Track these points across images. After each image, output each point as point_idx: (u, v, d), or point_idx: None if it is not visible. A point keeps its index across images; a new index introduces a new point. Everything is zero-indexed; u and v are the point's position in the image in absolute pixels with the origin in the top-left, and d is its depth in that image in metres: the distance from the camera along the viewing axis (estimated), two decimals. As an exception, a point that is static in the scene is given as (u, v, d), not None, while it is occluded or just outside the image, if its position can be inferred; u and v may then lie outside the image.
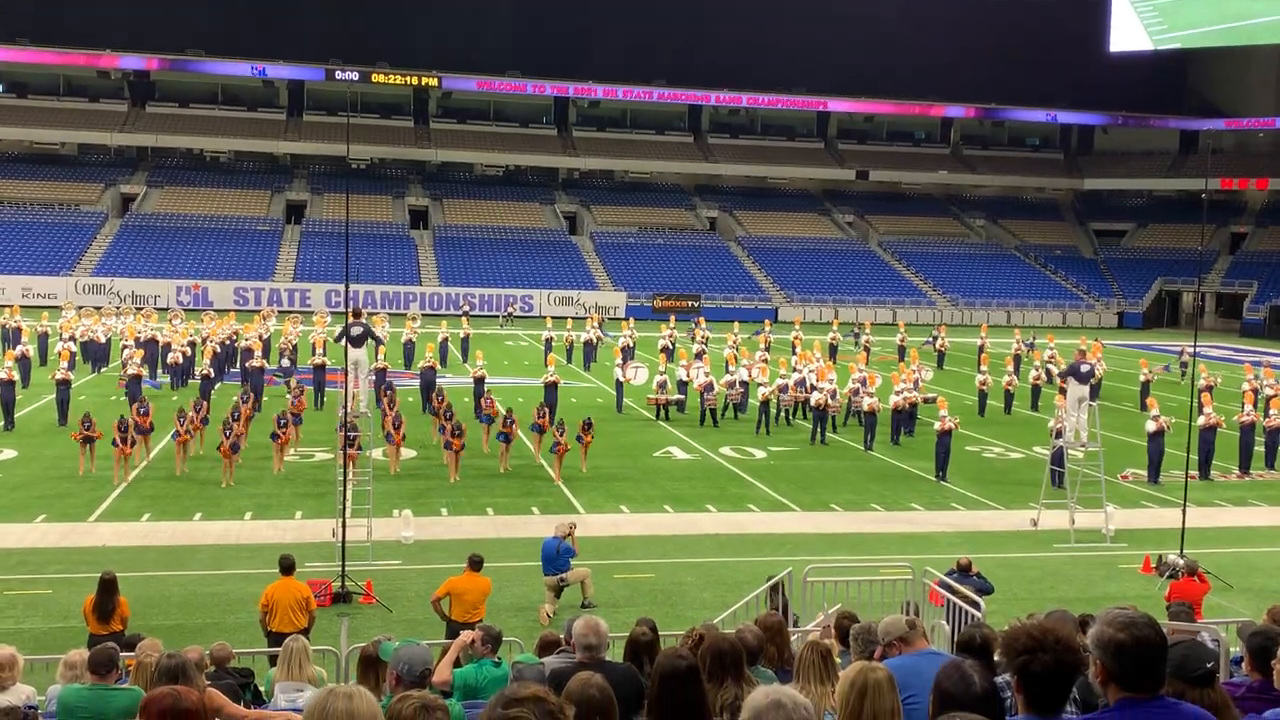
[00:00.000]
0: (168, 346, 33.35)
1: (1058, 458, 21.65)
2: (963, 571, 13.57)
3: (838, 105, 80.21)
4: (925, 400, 30.33)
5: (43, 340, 36.16)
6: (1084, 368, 24.19)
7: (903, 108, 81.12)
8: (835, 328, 45.20)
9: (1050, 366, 35.58)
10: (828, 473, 24.79)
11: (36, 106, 72.18)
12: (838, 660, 6.75)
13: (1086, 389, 23.71)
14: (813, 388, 28.92)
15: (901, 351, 40.94)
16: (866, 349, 40.67)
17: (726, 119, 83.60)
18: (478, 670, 7.77)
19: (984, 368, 36.90)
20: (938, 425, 24.24)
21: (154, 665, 6.09)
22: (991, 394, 33.24)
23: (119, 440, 21.30)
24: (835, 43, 76.57)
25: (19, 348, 31.22)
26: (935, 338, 44.12)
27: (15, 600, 14.96)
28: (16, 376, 27.28)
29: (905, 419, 28.61)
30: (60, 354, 30.39)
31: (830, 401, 28.14)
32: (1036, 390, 34.50)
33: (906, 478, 24.60)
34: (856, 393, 29.33)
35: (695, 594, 16.02)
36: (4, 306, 41.90)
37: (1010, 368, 34.98)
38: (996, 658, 5.36)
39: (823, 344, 39.72)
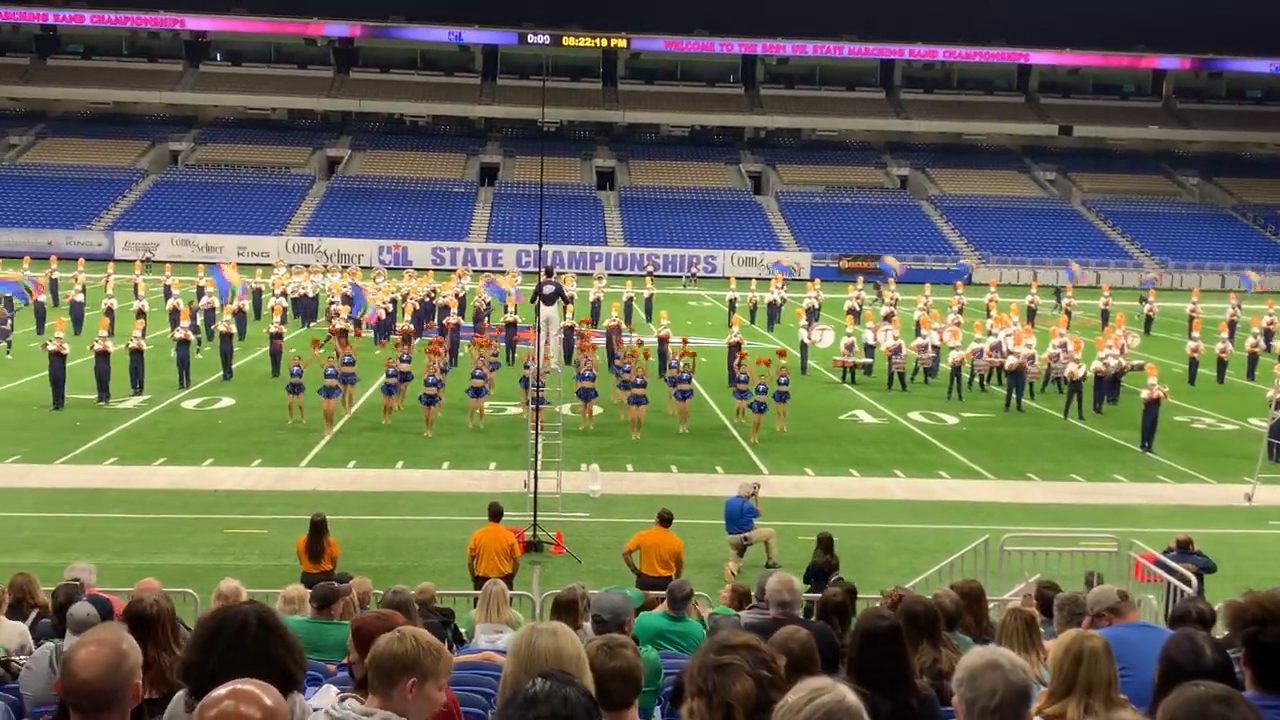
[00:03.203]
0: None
1: (1277, 429, 20.26)
2: (1182, 549, 12.88)
3: (1040, 57, 76.67)
4: (1132, 367, 28.85)
5: (257, 295, 38.37)
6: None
7: (1110, 59, 76.87)
8: (1034, 290, 43.43)
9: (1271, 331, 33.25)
10: (1024, 440, 23.92)
11: (249, 74, 76.28)
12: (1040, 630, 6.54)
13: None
14: (1009, 352, 27.90)
15: (1105, 316, 39.04)
16: (1068, 312, 38.92)
17: (921, 73, 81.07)
18: (662, 619, 7.91)
19: (1195, 333, 34.79)
20: (1145, 393, 23.03)
21: (381, 599, 6.38)
22: (1203, 361, 31.33)
23: (333, 389, 22.36)
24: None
25: (236, 302, 33.21)
26: (1145, 300, 41.92)
27: (235, 539, 16.00)
28: (234, 329, 29.04)
29: (1109, 386, 27.27)
30: (273, 309, 32.16)
31: (1028, 366, 27.10)
32: (1253, 358, 32.30)
33: (1109, 447, 23.50)
34: (1057, 358, 28.14)
35: (883, 559, 15.77)
36: (221, 264, 44.61)
37: (1224, 334, 32.84)
38: (1215, 633, 5.05)
39: (1020, 307, 38.25)
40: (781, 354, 24.73)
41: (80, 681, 2.74)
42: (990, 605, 8.69)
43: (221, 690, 2.42)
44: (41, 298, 34.73)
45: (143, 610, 4.33)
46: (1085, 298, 46.75)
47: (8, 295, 31.64)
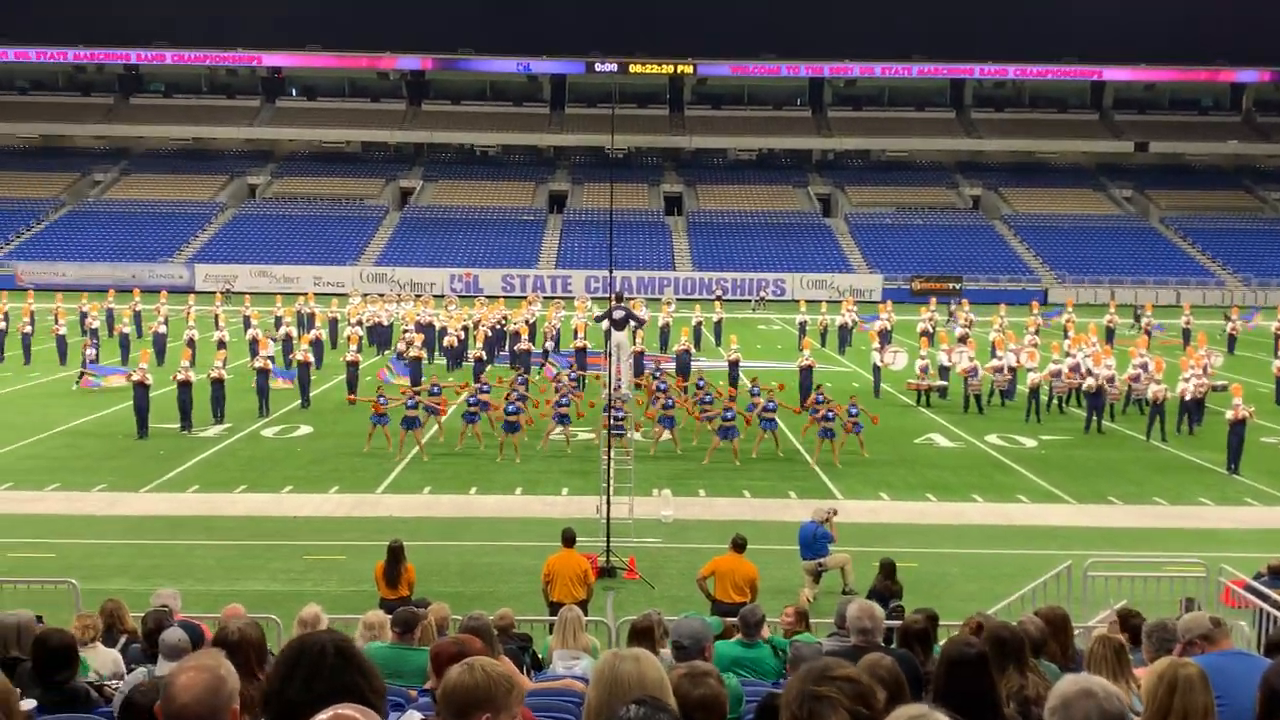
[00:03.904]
0: (444, 330, 35.38)
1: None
2: (1274, 574, 12.49)
3: (1114, 74, 75.50)
4: (1215, 388, 28.11)
5: (333, 325, 39.06)
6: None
7: (1187, 74, 75.41)
8: (1112, 310, 42.59)
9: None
10: (1105, 463, 23.40)
11: (324, 108, 78.01)
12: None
13: None
14: (1088, 373, 27.36)
15: (1187, 335, 38.15)
16: (1148, 332, 38.08)
17: (991, 92, 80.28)
18: (735, 646, 7.90)
19: (1282, 352, 33.83)
20: (1230, 414, 22.42)
21: (460, 624, 6.43)
22: (1291, 381, 30.42)
23: (414, 419, 22.69)
24: (1110, 6, 72.01)
25: (313, 332, 33.85)
26: (1229, 320, 40.91)
27: (314, 564, 16.24)
28: (311, 358, 29.59)
29: (1194, 407, 26.58)
30: (349, 337, 32.72)
31: (1108, 388, 26.54)
32: (1346, 377, 31.27)
33: (1194, 470, 22.91)
34: (1137, 378, 27.54)
35: (961, 585, 15.51)
36: (299, 294, 45.56)
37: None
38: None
39: (1099, 327, 37.54)
40: (780, 387, 24.34)
41: (180, 706, 2.81)
42: (1074, 633, 8.49)
43: (323, 716, 2.46)
44: (126, 330, 35.70)
45: (226, 638, 4.41)
46: (1164, 317, 45.71)
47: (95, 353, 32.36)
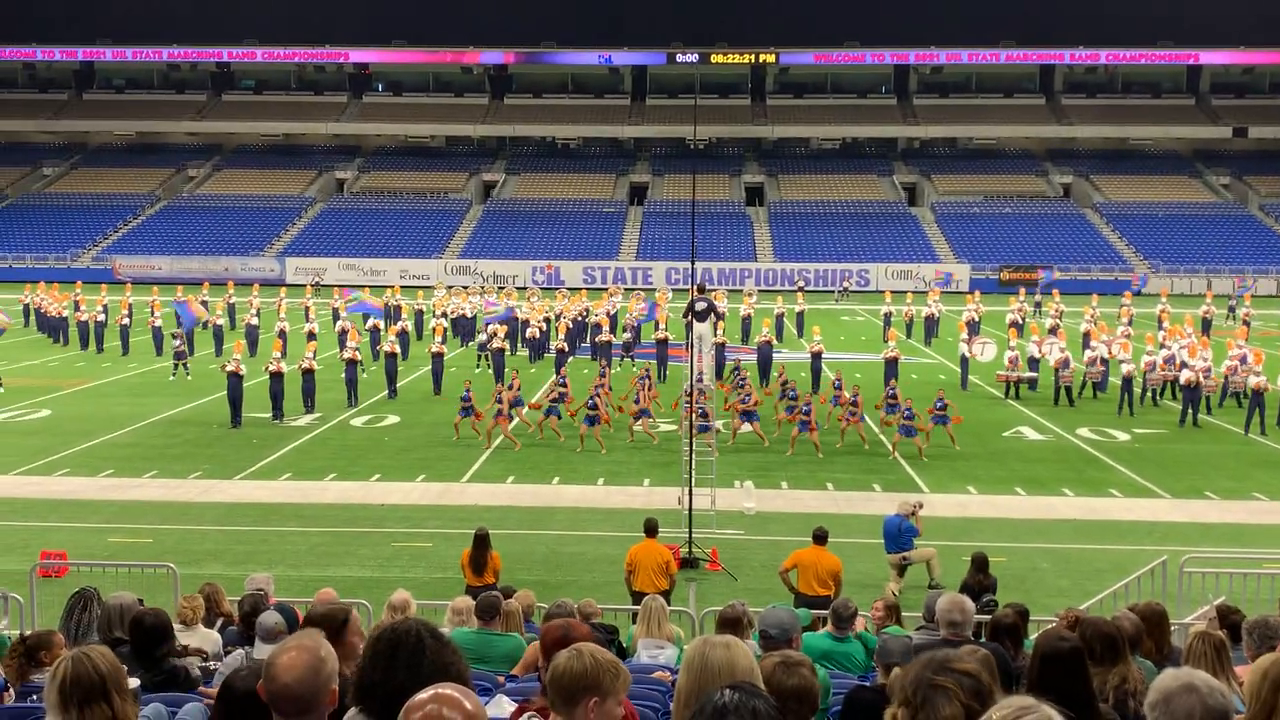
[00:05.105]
0: (526, 323, 35.68)
1: None
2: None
3: (1211, 57, 73.21)
4: (1318, 379, 27.14)
5: (419, 317, 39.62)
6: None
7: (1289, 55, 72.81)
8: (1209, 300, 41.36)
9: None
10: (1201, 457, 22.75)
11: (409, 103, 79.13)
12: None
13: None
14: (1183, 365, 26.61)
15: (1288, 326, 36.93)
16: (1246, 323, 36.93)
17: (1082, 78, 78.43)
18: (827, 639, 7.87)
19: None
20: (1335, 407, 21.62)
21: (545, 613, 6.48)
22: (1401, 373, 29.25)
23: (501, 412, 22.98)
24: (1207, -12, 69.85)
25: (399, 324, 34.39)
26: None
27: (402, 551, 16.51)
28: (398, 349, 30.06)
29: (1294, 400, 25.72)
30: (434, 329, 33.16)
31: (1203, 380, 25.79)
32: None
33: (1296, 465, 22.15)
34: (1235, 370, 26.70)
35: (1052, 580, 15.21)
36: (385, 287, 46.32)
37: None
38: None
39: (1194, 317, 36.47)
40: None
41: (282, 685, 2.88)
42: (1171, 629, 8.28)
43: (424, 695, 2.51)
44: (220, 321, 36.65)
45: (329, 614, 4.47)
46: (1264, 308, 44.24)
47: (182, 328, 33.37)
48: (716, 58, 75.43)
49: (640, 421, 23.50)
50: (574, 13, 78.62)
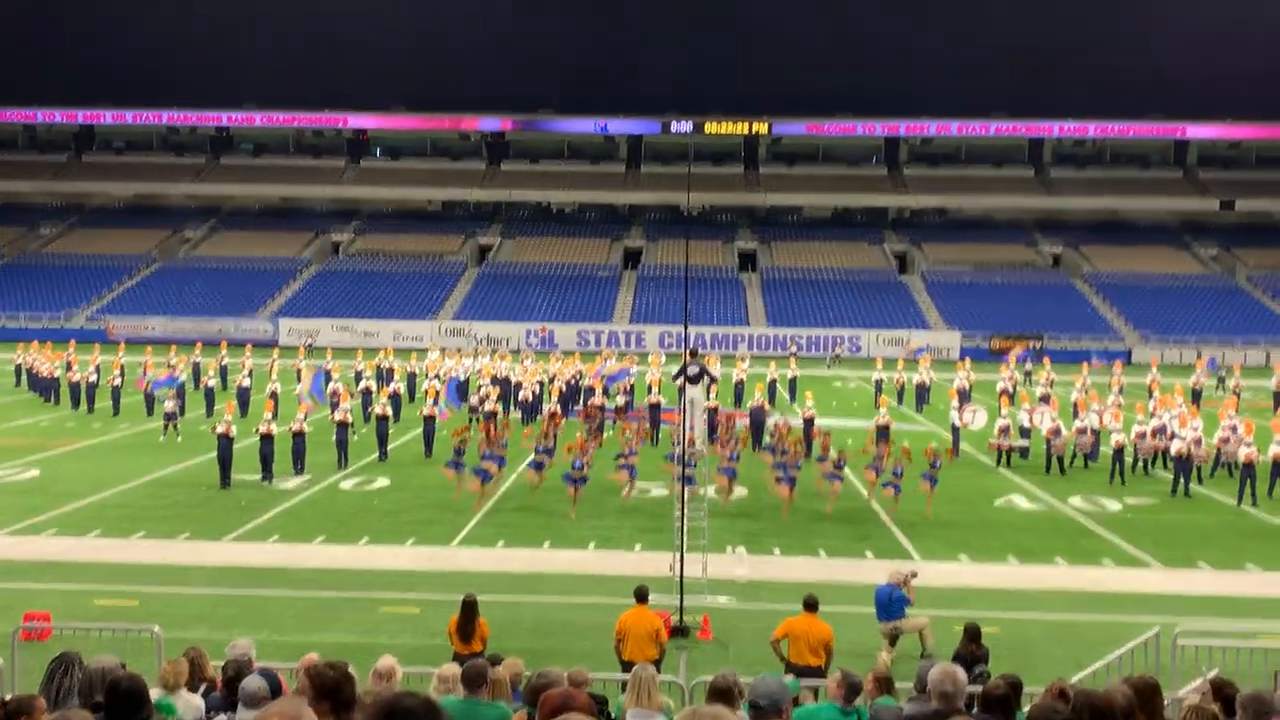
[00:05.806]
0: (519, 385, 35.68)
1: None
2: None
3: (1197, 131, 74.37)
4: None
5: (411, 379, 39.60)
6: None
7: (1273, 130, 73.98)
8: (1198, 370, 41.55)
9: None
10: (1193, 528, 22.71)
11: (407, 168, 79.91)
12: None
13: None
14: (1174, 435, 26.65)
15: (1278, 399, 37.04)
16: (1236, 394, 37.07)
17: (1071, 150, 79.53)
18: (819, 711, 7.76)
19: (1381, 415, 32.62)
20: (1326, 478, 21.63)
21: (527, 681, 6.40)
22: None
23: (485, 473, 22.96)
24: (1193, 63, 71.11)
25: (392, 385, 34.36)
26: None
27: (389, 617, 16.33)
28: (390, 412, 30.00)
29: (1286, 471, 25.72)
30: (427, 391, 33.14)
31: (1194, 450, 25.82)
32: None
33: (1288, 536, 22.09)
34: (1227, 440, 26.73)
35: (1045, 649, 15.09)
36: (379, 349, 46.35)
37: None
38: None
39: (1185, 387, 36.62)
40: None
41: (263, 752, 2.86)
42: (1164, 703, 8.20)
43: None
44: (211, 383, 36.57)
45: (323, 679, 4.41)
46: (1254, 379, 44.47)
47: (169, 389, 33.29)
48: (710, 127, 76.44)
49: (619, 473, 23.48)
50: (571, 81, 79.97)
